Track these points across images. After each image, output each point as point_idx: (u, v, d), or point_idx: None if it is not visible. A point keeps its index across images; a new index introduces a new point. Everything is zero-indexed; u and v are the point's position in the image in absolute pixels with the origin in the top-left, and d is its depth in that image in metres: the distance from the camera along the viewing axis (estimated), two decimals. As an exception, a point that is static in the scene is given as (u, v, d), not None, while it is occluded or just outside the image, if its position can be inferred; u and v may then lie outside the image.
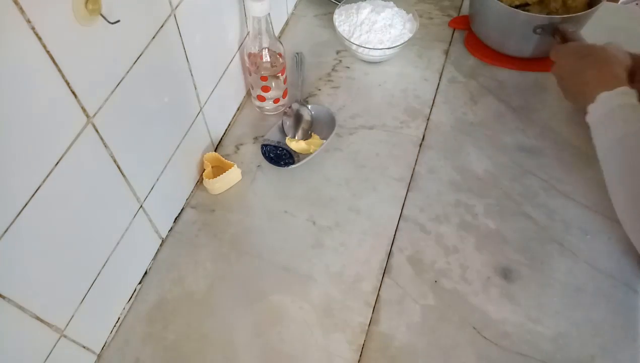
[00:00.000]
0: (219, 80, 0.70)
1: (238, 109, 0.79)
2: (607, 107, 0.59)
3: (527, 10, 0.78)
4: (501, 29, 0.81)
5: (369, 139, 0.75)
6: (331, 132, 0.73)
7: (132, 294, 0.60)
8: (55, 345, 0.47)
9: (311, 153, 0.71)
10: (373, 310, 0.59)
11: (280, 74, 0.73)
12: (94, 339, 0.55)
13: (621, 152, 0.58)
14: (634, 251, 0.59)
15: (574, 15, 0.73)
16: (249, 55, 0.72)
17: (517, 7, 0.78)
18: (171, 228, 0.66)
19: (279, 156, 0.72)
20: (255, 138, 0.76)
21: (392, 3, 0.86)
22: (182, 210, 0.68)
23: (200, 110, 0.67)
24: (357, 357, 0.56)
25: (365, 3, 0.85)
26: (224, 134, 0.76)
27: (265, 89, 0.74)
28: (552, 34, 0.74)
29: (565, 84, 0.69)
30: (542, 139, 0.74)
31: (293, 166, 0.71)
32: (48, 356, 0.47)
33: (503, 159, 0.72)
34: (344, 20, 0.84)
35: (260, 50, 0.70)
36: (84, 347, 0.53)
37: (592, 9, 0.75)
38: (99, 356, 0.56)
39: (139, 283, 0.61)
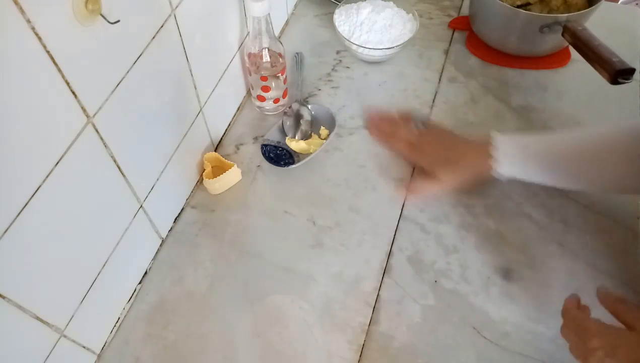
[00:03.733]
0: (219, 80, 0.70)
1: (238, 109, 0.79)
2: None
3: (529, 10, 0.78)
4: (504, 29, 0.81)
5: (369, 139, 0.75)
6: (331, 132, 0.73)
7: (132, 294, 0.60)
8: (55, 345, 0.47)
9: (311, 153, 0.71)
10: (373, 310, 0.59)
11: (280, 74, 0.73)
12: (94, 339, 0.55)
13: None
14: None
15: (576, 13, 0.73)
16: (249, 55, 0.72)
17: (518, 6, 0.78)
18: (171, 228, 0.66)
19: (279, 156, 0.72)
20: (255, 138, 0.76)
21: (392, 3, 0.86)
22: (182, 210, 0.68)
23: (200, 110, 0.67)
24: (357, 357, 0.56)
25: (366, 3, 0.85)
26: (224, 134, 0.76)
27: (265, 89, 0.74)
28: (561, 33, 0.73)
29: None
30: (542, 139, 0.74)
31: (293, 166, 0.71)
32: (48, 356, 0.47)
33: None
34: (344, 20, 0.84)
35: (260, 50, 0.70)
36: (84, 347, 0.53)
37: (594, 6, 0.75)
38: (99, 356, 0.56)
39: (139, 283, 0.61)
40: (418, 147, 0.68)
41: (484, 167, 0.61)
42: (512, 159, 0.60)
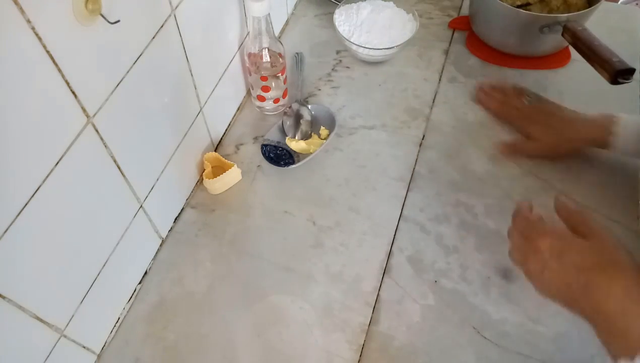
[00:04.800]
0: (219, 80, 0.70)
1: (238, 109, 0.79)
2: None
3: (529, 10, 0.78)
4: (504, 29, 0.81)
5: (369, 139, 0.75)
6: (331, 132, 0.73)
7: (132, 294, 0.60)
8: (55, 345, 0.47)
9: (311, 153, 0.71)
10: (373, 310, 0.59)
11: (280, 74, 0.73)
12: (94, 339, 0.55)
13: None
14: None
15: (576, 13, 0.73)
16: (249, 55, 0.72)
17: (518, 6, 0.78)
18: (171, 228, 0.66)
19: (279, 156, 0.72)
20: (255, 138, 0.76)
21: (392, 3, 0.86)
22: (182, 210, 0.68)
23: (200, 110, 0.67)
24: (357, 357, 0.56)
25: (365, 3, 0.85)
26: (224, 134, 0.76)
27: (265, 89, 0.74)
28: (561, 33, 0.73)
29: (547, 288, 0.48)
30: (542, 139, 0.74)
31: (293, 166, 0.71)
32: (48, 356, 0.47)
33: (503, 159, 0.72)
34: (344, 20, 0.84)
35: (260, 50, 0.70)
36: (84, 347, 0.53)
37: (594, 6, 0.75)
38: (99, 356, 0.56)
39: (139, 283, 0.61)
40: (530, 116, 0.72)
41: (600, 140, 0.66)
42: (633, 136, 0.63)
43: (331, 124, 0.74)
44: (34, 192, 0.40)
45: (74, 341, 0.50)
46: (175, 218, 0.67)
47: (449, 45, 0.88)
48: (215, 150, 0.74)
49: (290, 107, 0.76)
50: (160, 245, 0.65)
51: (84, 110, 0.44)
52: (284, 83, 0.75)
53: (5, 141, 0.37)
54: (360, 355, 0.56)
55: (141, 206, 0.57)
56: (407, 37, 0.81)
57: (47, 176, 0.41)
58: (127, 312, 0.59)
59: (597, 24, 0.74)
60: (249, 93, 0.81)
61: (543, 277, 0.47)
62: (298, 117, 0.75)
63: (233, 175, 0.69)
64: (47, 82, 0.39)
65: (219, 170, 0.68)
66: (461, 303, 0.60)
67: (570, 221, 0.49)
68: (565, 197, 0.50)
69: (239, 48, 0.74)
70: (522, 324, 0.58)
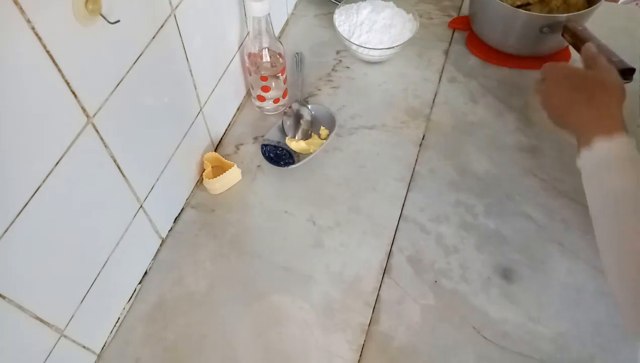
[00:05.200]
0: (219, 80, 0.70)
1: (238, 109, 0.79)
2: (603, 157, 0.52)
3: (529, 10, 0.78)
4: (504, 29, 0.81)
5: (369, 139, 0.75)
6: (331, 132, 0.73)
7: (132, 294, 0.60)
8: (55, 345, 0.47)
9: (311, 153, 0.71)
10: (373, 310, 0.59)
11: (280, 74, 0.73)
12: (94, 339, 0.55)
13: (614, 212, 0.50)
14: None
15: (575, 13, 0.74)
16: (249, 55, 0.72)
17: (518, 6, 0.78)
18: (171, 228, 0.66)
19: (279, 156, 0.72)
20: (255, 138, 0.76)
21: (392, 3, 0.86)
22: (182, 210, 0.68)
23: (200, 110, 0.67)
24: (357, 357, 0.56)
25: (365, 3, 0.85)
26: (224, 134, 0.76)
27: (265, 89, 0.74)
28: (561, 33, 0.73)
29: (553, 110, 0.60)
30: (542, 139, 0.74)
31: (293, 166, 0.71)
32: (48, 356, 0.47)
33: (503, 159, 0.72)
34: (344, 20, 0.84)
35: (260, 50, 0.70)
36: (84, 347, 0.53)
37: (594, 6, 0.75)
38: (99, 356, 0.56)
39: (139, 283, 0.61)
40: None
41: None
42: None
43: (331, 124, 0.74)
44: (34, 192, 0.40)
45: (74, 341, 0.50)
46: (175, 218, 0.67)
47: (449, 45, 0.88)
48: (215, 150, 0.74)
49: (290, 107, 0.76)
50: (160, 245, 0.65)
51: (84, 110, 0.44)
52: (284, 83, 0.75)
53: (5, 141, 0.37)
54: (360, 355, 0.56)
55: (141, 206, 0.57)
56: (407, 37, 0.81)
57: (47, 176, 0.41)
58: (127, 312, 0.59)
59: (597, 24, 0.74)
60: (249, 93, 0.81)
61: (552, 102, 0.60)
62: (298, 117, 0.75)
63: (233, 175, 0.69)
64: (47, 82, 0.39)
65: (219, 170, 0.68)
66: (461, 303, 0.60)
67: (588, 60, 0.61)
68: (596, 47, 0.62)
69: (239, 48, 0.74)
70: (522, 324, 0.58)
